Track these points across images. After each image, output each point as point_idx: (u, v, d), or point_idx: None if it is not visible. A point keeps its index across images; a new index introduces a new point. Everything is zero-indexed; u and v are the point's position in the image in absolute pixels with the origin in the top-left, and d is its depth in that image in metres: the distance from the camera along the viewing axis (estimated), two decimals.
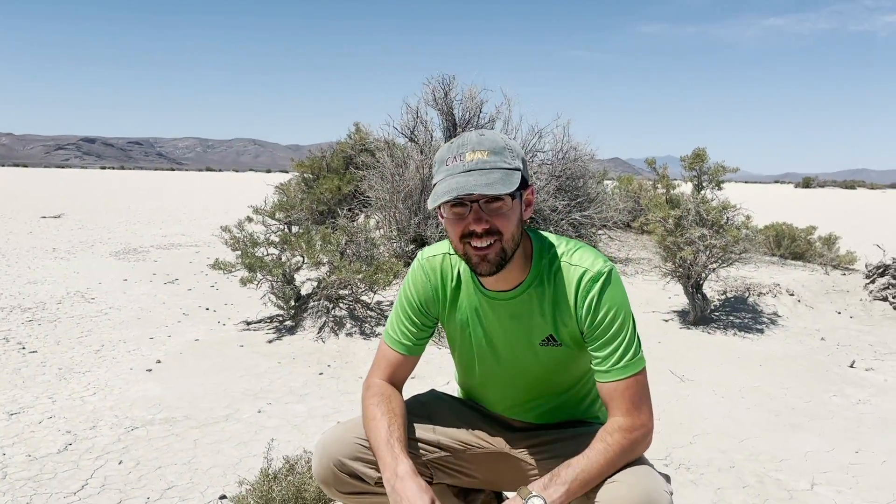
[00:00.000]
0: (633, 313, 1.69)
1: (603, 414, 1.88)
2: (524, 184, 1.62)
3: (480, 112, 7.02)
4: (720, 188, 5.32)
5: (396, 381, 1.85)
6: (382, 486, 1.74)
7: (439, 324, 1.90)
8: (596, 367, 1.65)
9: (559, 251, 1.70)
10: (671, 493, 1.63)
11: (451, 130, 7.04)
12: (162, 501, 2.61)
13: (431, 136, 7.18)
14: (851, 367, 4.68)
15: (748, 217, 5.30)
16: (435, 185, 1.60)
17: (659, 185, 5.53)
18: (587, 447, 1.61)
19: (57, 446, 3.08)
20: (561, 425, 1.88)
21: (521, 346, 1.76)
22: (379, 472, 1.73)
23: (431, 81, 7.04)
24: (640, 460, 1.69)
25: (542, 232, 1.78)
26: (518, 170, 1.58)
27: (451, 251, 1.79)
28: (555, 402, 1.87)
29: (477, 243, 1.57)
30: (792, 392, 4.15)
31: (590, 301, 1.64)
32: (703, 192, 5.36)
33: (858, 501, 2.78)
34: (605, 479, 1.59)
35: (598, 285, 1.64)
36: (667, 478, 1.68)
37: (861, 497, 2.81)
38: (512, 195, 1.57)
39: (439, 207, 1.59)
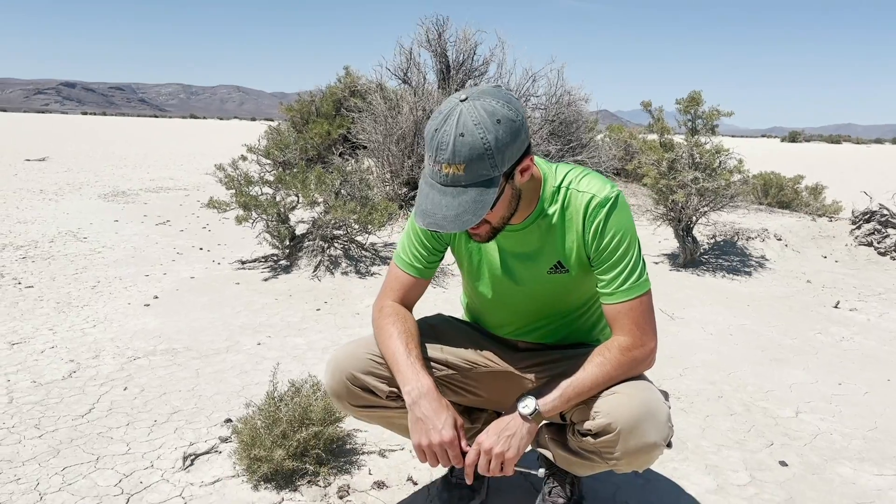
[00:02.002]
0: (638, 237, 1.74)
1: (607, 338, 1.94)
2: (520, 160, 1.55)
3: (474, 55, 6.96)
4: (714, 133, 5.34)
5: (407, 304, 1.89)
6: (393, 400, 1.81)
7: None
8: (601, 290, 1.70)
9: (567, 179, 1.72)
10: (669, 408, 1.70)
11: (445, 73, 6.98)
12: (169, 424, 2.67)
13: (425, 79, 7.12)
14: (836, 307, 4.80)
15: (740, 161, 5.35)
16: (420, 181, 1.59)
17: (653, 129, 5.55)
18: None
19: (61, 373, 3.13)
20: (566, 347, 1.94)
21: (530, 274, 1.80)
22: (390, 386, 1.79)
23: (425, 22, 6.95)
24: (640, 377, 1.76)
25: (550, 163, 1.80)
26: (498, 176, 1.49)
27: None
28: (561, 326, 1.93)
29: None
30: (778, 330, 4.26)
31: (596, 225, 1.67)
32: (696, 136, 5.38)
33: (841, 428, 2.89)
34: (604, 391, 1.66)
35: (605, 210, 1.66)
36: (665, 394, 1.75)
37: (843, 424, 2.93)
38: (498, 186, 1.52)
39: None
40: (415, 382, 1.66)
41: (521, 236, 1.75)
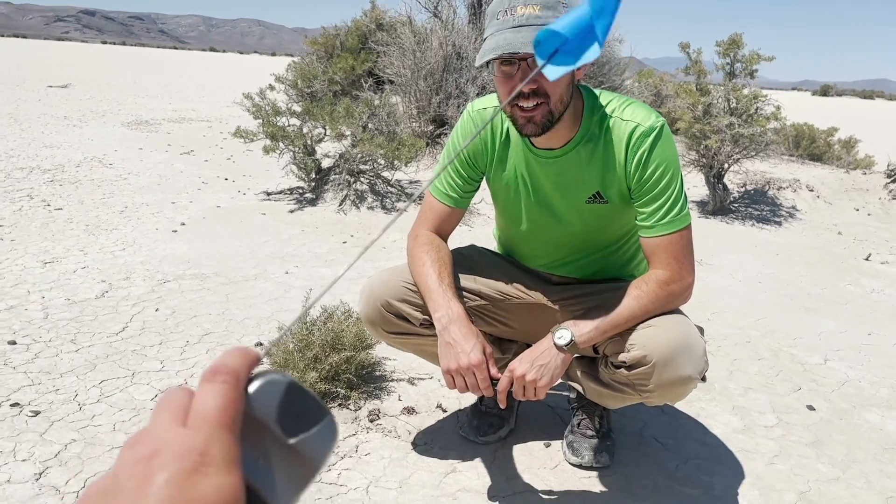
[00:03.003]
0: (681, 170, 1.70)
1: (641, 273, 1.92)
2: None
3: None
4: (753, 77, 5.20)
5: (442, 234, 1.88)
6: (426, 328, 1.81)
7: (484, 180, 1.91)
8: (640, 223, 1.67)
9: (611, 107, 1.67)
10: (705, 342, 1.69)
11: (476, 7, 6.81)
12: (200, 345, 2.71)
13: (455, 13, 6.96)
14: (867, 259, 4.74)
15: (778, 108, 5.22)
16: (485, 39, 1.56)
17: (689, 71, 5.41)
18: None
19: (94, 293, 3.17)
20: (600, 282, 1.92)
21: (568, 204, 1.76)
22: (423, 314, 1.79)
23: None
24: (677, 311, 1.74)
25: (594, 89, 1.75)
26: None
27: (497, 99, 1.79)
28: (596, 260, 1.91)
29: (523, 104, 1.53)
30: (808, 279, 4.22)
31: (640, 156, 1.62)
32: (734, 80, 5.24)
33: (869, 376, 2.88)
34: (639, 324, 1.65)
35: (650, 140, 1.62)
36: (701, 330, 1.73)
37: (872, 373, 2.92)
38: None
39: (488, 64, 1.55)
40: (445, 309, 1.66)
41: (562, 163, 1.71)
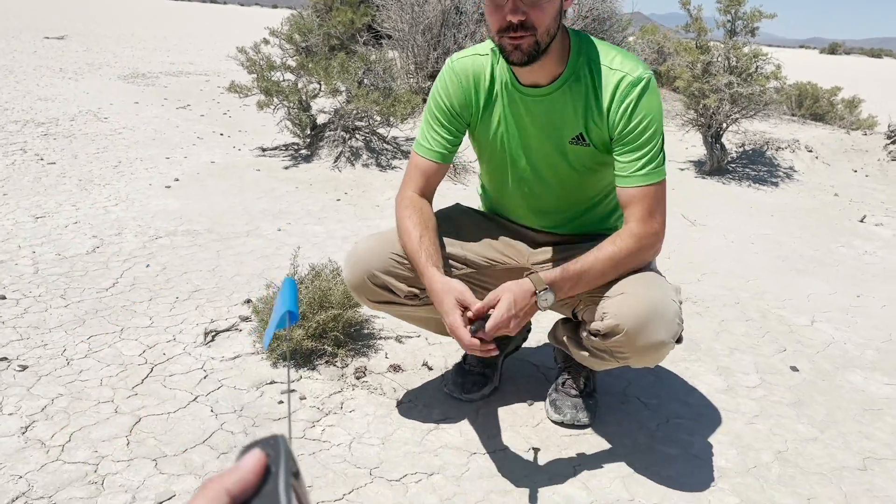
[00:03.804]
0: (663, 125, 1.71)
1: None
2: None
3: None
4: (753, 35, 5.11)
5: (428, 192, 1.88)
6: (411, 299, 1.83)
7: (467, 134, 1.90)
8: (618, 173, 1.69)
9: (601, 54, 1.69)
10: (681, 303, 1.71)
11: None
12: (190, 301, 2.72)
13: None
14: (861, 221, 4.72)
15: (778, 67, 5.14)
16: None
17: (689, 28, 5.32)
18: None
19: (85, 248, 3.17)
20: (581, 240, 1.93)
21: (552, 145, 1.77)
22: (409, 286, 1.82)
23: None
24: (650, 268, 1.77)
25: (585, 34, 1.75)
26: None
27: (482, 52, 1.79)
28: (579, 214, 1.92)
29: (512, 34, 1.57)
30: (801, 241, 4.22)
31: (626, 106, 1.64)
32: (734, 38, 5.16)
33: (855, 338, 2.90)
34: (613, 289, 1.67)
35: (637, 91, 1.64)
36: (677, 290, 1.74)
37: (858, 335, 2.93)
38: None
39: None
40: (425, 279, 1.69)
41: (548, 102, 1.72)
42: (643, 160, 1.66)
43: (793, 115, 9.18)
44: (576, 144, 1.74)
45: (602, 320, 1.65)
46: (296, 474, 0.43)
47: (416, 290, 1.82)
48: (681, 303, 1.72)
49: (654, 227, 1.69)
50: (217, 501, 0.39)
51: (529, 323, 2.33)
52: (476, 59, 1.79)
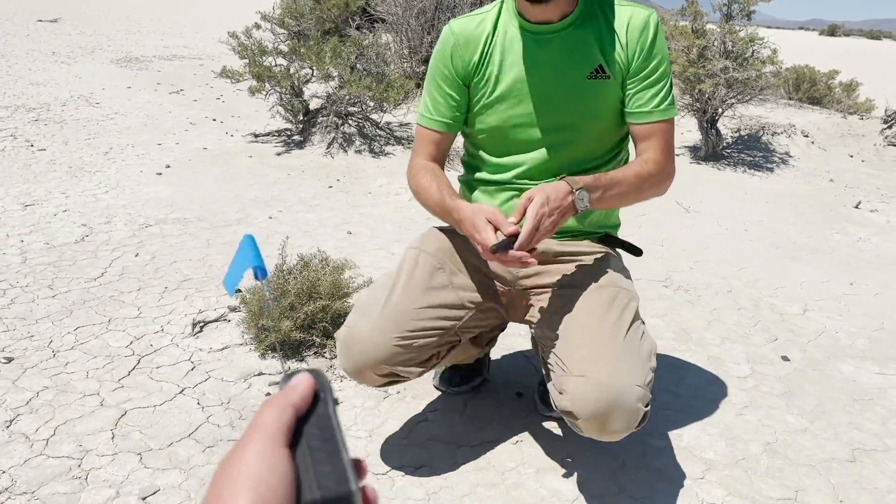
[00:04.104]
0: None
1: (616, 224, 1.92)
2: None
3: None
4: (749, 19, 5.06)
5: (438, 160, 1.82)
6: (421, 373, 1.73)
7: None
8: (635, 110, 1.66)
9: None
10: (653, 372, 1.57)
11: None
12: (179, 291, 2.70)
13: None
14: (857, 207, 4.71)
15: (774, 51, 5.10)
16: None
17: (685, 13, 5.26)
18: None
19: (74, 237, 3.15)
20: (572, 253, 1.80)
21: (568, 82, 1.65)
22: (422, 367, 1.70)
23: None
24: (632, 310, 1.64)
25: None
26: None
27: (483, 10, 1.73)
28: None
29: None
30: (795, 228, 4.20)
31: (643, 42, 1.63)
32: (731, 22, 5.11)
33: (847, 326, 2.89)
34: (577, 352, 1.54)
35: (653, 30, 1.65)
36: (650, 355, 1.60)
37: (850, 323, 2.93)
38: None
39: None
40: (453, 213, 1.60)
41: (561, 39, 1.64)
42: (660, 95, 1.65)
43: (789, 98, 9.13)
44: (595, 78, 1.64)
45: (561, 394, 1.54)
46: (336, 402, 0.47)
47: (428, 368, 1.74)
48: (653, 372, 1.58)
49: (671, 164, 1.71)
50: (285, 413, 0.44)
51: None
52: (476, 17, 1.73)
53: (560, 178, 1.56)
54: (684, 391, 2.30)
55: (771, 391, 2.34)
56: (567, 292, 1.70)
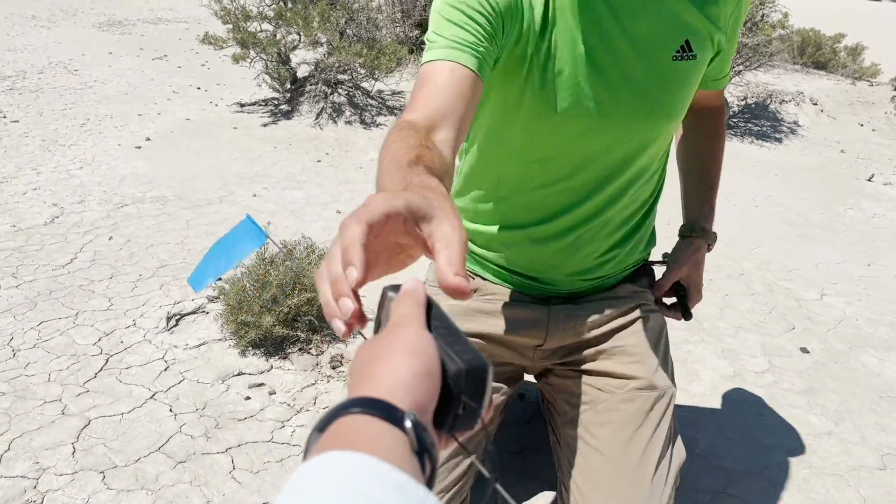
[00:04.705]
0: None
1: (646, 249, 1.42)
2: None
3: None
4: None
5: (444, 126, 0.95)
6: None
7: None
8: (716, 77, 1.31)
9: None
10: (677, 488, 1.31)
11: None
12: (154, 279, 2.51)
13: None
14: (870, 180, 4.52)
15: (785, 15, 4.85)
16: None
17: None
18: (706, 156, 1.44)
19: (43, 218, 2.94)
20: (609, 294, 1.38)
21: (647, 64, 1.14)
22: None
23: None
24: (661, 476, 1.29)
25: None
26: None
27: None
28: (621, 191, 1.27)
29: None
30: (807, 203, 4.01)
31: (736, 8, 1.22)
32: None
33: (867, 313, 2.72)
34: (598, 463, 1.29)
35: None
36: (679, 469, 1.33)
37: (870, 309, 2.76)
38: None
39: None
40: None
41: (649, 6, 1.12)
42: (728, 62, 1.33)
43: (794, 63, 8.87)
44: (681, 59, 1.17)
45: (570, 495, 1.32)
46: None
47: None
48: (677, 488, 1.32)
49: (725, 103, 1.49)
50: (421, 307, 0.52)
51: None
52: None
53: (689, 238, 1.40)
54: (698, 389, 2.14)
55: (791, 388, 2.17)
56: (591, 392, 1.34)
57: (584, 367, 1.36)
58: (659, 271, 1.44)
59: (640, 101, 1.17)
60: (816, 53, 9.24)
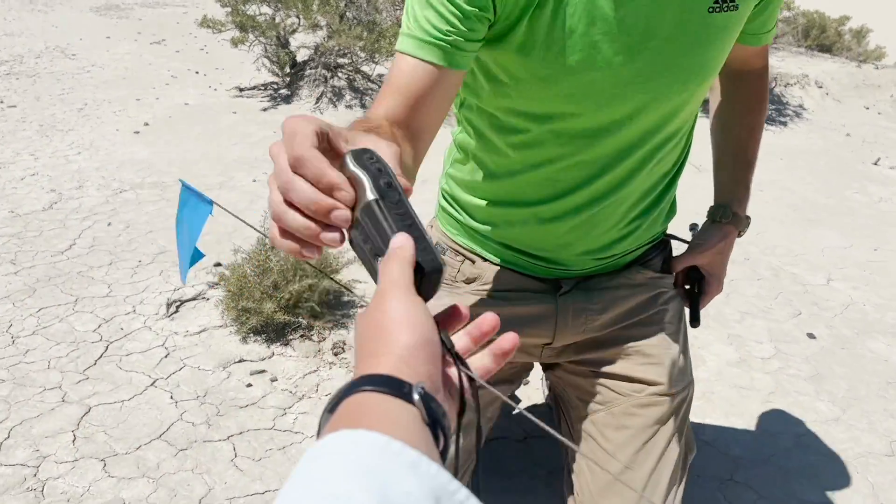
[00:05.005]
0: None
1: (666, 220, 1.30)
2: None
3: None
4: None
5: (414, 125, 0.92)
6: None
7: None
8: (758, 32, 1.13)
9: None
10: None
11: None
12: (154, 265, 2.49)
13: None
14: (875, 164, 4.47)
15: None
16: None
17: None
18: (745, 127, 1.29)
19: (41, 204, 2.91)
20: (623, 278, 1.26)
21: (682, 23, 0.97)
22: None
23: None
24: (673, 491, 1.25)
25: None
26: None
27: None
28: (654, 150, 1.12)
29: None
30: (812, 188, 3.97)
31: None
32: None
33: (874, 298, 2.69)
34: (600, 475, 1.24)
35: None
36: (688, 453, 1.31)
37: (878, 294, 2.73)
38: None
39: None
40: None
41: None
42: (776, 13, 1.15)
43: (799, 45, 8.80)
44: (719, 10, 0.99)
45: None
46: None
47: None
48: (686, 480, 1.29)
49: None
50: (407, 268, 0.51)
51: None
52: None
53: (718, 223, 1.27)
54: (704, 375, 2.11)
55: (798, 374, 2.15)
56: (606, 393, 1.26)
57: (598, 367, 1.27)
58: (678, 248, 1.31)
59: (667, 63, 1.00)
60: (821, 36, 9.16)
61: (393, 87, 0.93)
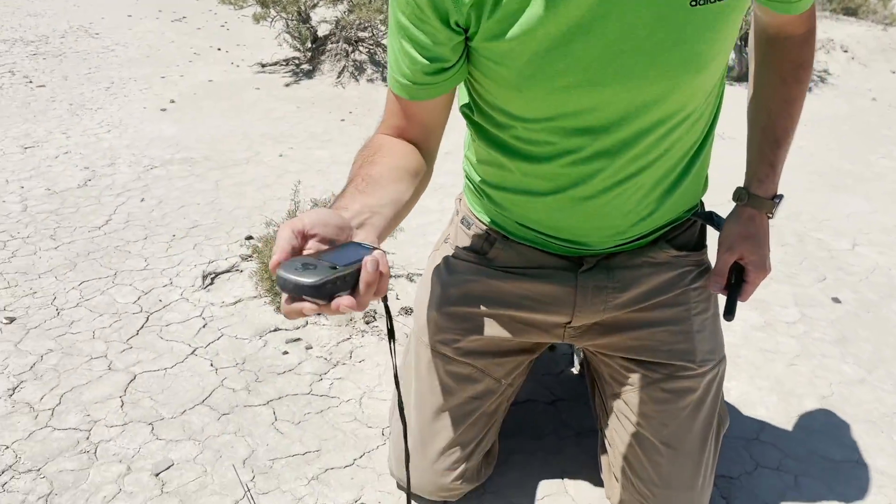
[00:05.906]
0: None
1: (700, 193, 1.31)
2: None
3: None
4: None
5: (416, 139, 1.09)
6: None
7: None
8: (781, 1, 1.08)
9: None
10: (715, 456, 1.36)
11: None
12: (188, 239, 2.55)
13: None
14: None
15: None
16: None
17: None
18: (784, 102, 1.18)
19: (76, 181, 2.99)
20: (649, 257, 1.27)
21: (657, 11, 0.93)
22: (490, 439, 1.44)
23: None
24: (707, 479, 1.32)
25: None
26: None
27: None
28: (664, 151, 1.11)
29: None
30: (837, 153, 3.95)
31: None
32: None
33: None
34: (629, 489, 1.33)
35: None
36: (720, 425, 1.38)
37: None
38: None
39: None
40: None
41: None
42: None
43: (823, 9, 8.63)
44: (702, 3, 0.93)
45: (609, 483, 1.39)
46: None
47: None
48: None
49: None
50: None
51: None
52: None
53: (744, 205, 1.20)
54: (730, 339, 2.13)
55: (823, 337, 2.18)
56: (638, 372, 1.28)
57: (625, 353, 1.29)
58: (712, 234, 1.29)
59: (649, 61, 0.96)
60: None
61: (388, 110, 1.11)
